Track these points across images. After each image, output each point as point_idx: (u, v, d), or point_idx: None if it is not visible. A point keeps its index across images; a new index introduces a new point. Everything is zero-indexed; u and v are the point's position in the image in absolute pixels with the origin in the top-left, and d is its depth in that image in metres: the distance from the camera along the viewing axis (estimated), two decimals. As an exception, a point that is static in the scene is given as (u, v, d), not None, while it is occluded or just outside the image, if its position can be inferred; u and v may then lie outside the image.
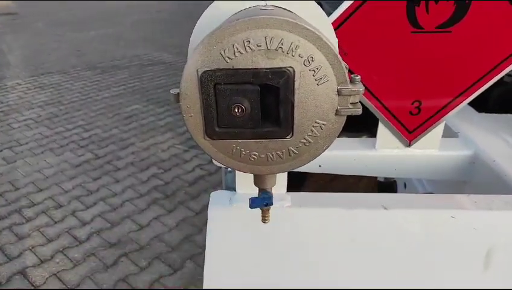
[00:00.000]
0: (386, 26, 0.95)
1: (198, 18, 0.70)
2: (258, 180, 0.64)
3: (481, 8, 0.95)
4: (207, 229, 0.81)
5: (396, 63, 0.99)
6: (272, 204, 0.64)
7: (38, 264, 2.56)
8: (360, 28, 0.96)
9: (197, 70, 0.52)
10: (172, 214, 3.03)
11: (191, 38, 0.70)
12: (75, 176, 3.52)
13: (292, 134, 0.56)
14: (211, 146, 0.58)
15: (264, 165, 0.59)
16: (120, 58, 7.16)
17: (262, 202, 0.63)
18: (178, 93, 0.54)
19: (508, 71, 1.02)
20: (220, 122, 0.55)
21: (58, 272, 2.50)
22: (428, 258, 0.78)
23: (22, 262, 2.59)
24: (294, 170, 1.02)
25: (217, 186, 3.36)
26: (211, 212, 0.82)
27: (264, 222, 0.67)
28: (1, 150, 3.96)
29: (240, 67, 0.51)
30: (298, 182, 2.19)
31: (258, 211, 0.74)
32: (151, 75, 6.24)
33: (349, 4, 0.94)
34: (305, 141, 0.57)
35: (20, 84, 5.82)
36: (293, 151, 0.57)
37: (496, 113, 1.41)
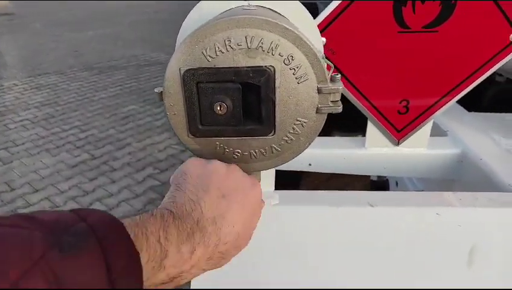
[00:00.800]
0: (373, 26, 0.96)
1: None
2: (242, 178, 0.65)
3: (467, 8, 0.96)
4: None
5: (384, 63, 1.00)
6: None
7: (34, 265, 2.57)
8: (348, 28, 0.97)
9: (179, 69, 0.53)
10: (168, 214, 3.04)
11: (177, 39, 0.71)
12: (71, 177, 3.52)
13: (274, 132, 0.57)
14: (194, 143, 0.59)
15: (247, 162, 0.60)
16: (117, 59, 7.16)
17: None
18: (162, 91, 0.55)
19: (495, 70, 1.03)
20: (203, 120, 0.56)
21: (53, 272, 2.51)
22: (412, 255, 0.79)
23: (18, 262, 2.59)
24: (290, 170, 1.03)
25: (213, 186, 3.37)
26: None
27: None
28: (-3, 151, 3.97)
29: (221, 66, 0.52)
30: (294, 182, 2.20)
31: (245, 209, 0.75)
32: (148, 75, 6.25)
33: (337, 4, 0.95)
34: (287, 138, 0.58)
35: (17, 85, 5.82)
36: (275, 149, 0.58)
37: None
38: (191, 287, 0.77)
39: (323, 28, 0.97)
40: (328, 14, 0.96)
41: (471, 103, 1.41)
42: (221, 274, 0.79)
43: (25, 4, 12.57)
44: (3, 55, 7.43)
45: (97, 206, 3.13)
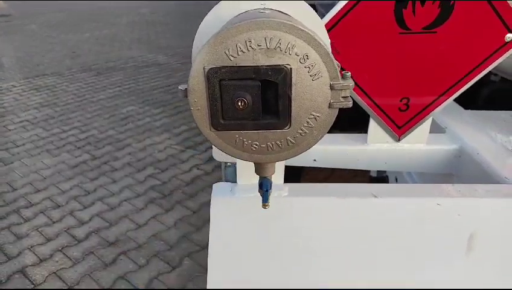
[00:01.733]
0: (375, 27, 1.01)
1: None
2: (259, 169, 0.69)
3: (464, 10, 1.01)
4: (210, 217, 0.86)
5: (386, 62, 1.05)
6: (270, 189, 0.70)
7: (38, 263, 2.59)
8: (352, 29, 1.02)
9: (203, 67, 0.57)
10: (170, 213, 3.07)
11: (194, 40, 0.75)
12: (72, 177, 3.55)
13: (290, 125, 0.61)
14: (216, 137, 0.63)
15: (264, 154, 0.64)
16: (115, 60, 7.19)
17: (265, 188, 0.69)
18: (186, 88, 0.60)
19: (491, 69, 1.09)
20: (224, 115, 0.60)
21: (57, 271, 2.54)
22: (415, 242, 0.84)
23: (22, 261, 2.62)
24: (291, 165, 1.07)
25: (214, 185, 3.41)
26: (214, 202, 0.88)
27: (264, 208, 0.73)
28: (-2, 152, 3.98)
29: (243, 64, 0.57)
30: (293, 180, 2.25)
31: (258, 200, 0.80)
32: (147, 76, 6.28)
33: (341, 6, 1.00)
34: (301, 131, 0.62)
35: (15, 86, 5.83)
36: (290, 141, 0.63)
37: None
38: (208, 273, 0.81)
39: (328, 29, 1.02)
40: (332, 16, 1.01)
41: (467, 102, 1.47)
42: (237, 260, 0.83)
43: (21, 5, 12.55)
44: (0, 57, 7.43)
45: (99, 205, 3.16)
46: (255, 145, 0.63)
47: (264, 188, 0.69)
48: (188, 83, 0.59)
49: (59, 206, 3.16)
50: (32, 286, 2.43)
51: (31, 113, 4.90)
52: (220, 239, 0.86)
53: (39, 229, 2.90)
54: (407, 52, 1.05)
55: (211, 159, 3.82)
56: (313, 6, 2.18)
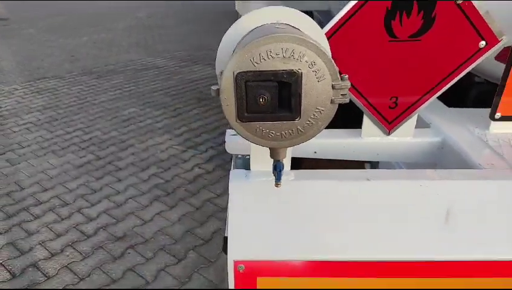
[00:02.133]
0: (368, 36, 1.17)
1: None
2: (274, 153, 0.85)
3: (444, 21, 1.18)
4: (229, 200, 1.02)
5: (377, 66, 1.22)
6: (283, 169, 0.86)
7: (50, 258, 2.72)
8: (347, 38, 1.18)
9: (233, 72, 0.73)
10: (174, 210, 3.22)
11: (218, 50, 0.92)
12: (78, 176, 3.67)
13: (300, 117, 0.77)
14: (241, 127, 0.78)
15: (279, 140, 0.80)
16: (114, 63, 7.31)
17: (278, 169, 0.85)
18: (218, 89, 0.76)
19: (467, 71, 1.25)
20: (248, 109, 0.76)
21: (68, 264, 2.67)
22: (401, 216, 1.00)
23: (34, 256, 2.75)
24: (293, 157, 1.22)
25: (216, 183, 3.56)
26: (232, 186, 1.03)
27: (277, 187, 0.89)
28: (3, 153, 4.09)
29: (264, 69, 0.73)
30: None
31: (269, 184, 0.95)
32: (146, 79, 6.41)
33: (338, 18, 1.17)
34: (309, 122, 0.78)
35: (17, 89, 5.94)
36: (300, 130, 0.79)
37: None
38: (228, 249, 0.96)
39: (327, 38, 1.18)
40: (331, 26, 1.17)
41: (455, 102, 1.64)
42: (253, 235, 0.99)
43: (18, 10, 12.63)
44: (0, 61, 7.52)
45: (105, 203, 3.30)
46: (271, 134, 0.79)
47: (278, 169, 0.85)
48: (220, 85, 0.75)
49: (67, 204, 3.29)
50: (45, 278, 2.56)
51: (35, 115, 5.01)
52: (237, 217, 1.01)
53: (49, 226, 3.03)
54: (395, 57, 1.21)
55: (212, 158, 3.97)
56: (310, 13, 2.35)
